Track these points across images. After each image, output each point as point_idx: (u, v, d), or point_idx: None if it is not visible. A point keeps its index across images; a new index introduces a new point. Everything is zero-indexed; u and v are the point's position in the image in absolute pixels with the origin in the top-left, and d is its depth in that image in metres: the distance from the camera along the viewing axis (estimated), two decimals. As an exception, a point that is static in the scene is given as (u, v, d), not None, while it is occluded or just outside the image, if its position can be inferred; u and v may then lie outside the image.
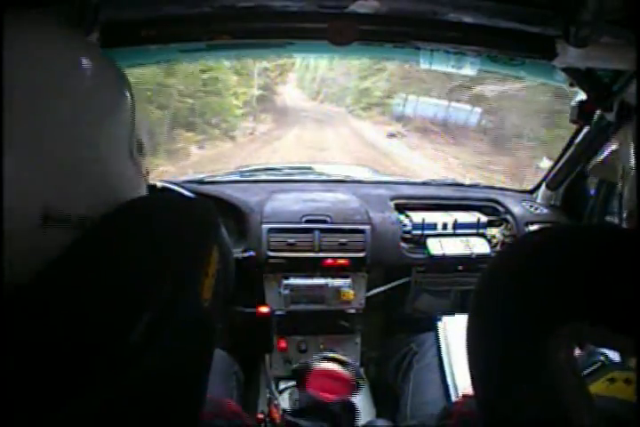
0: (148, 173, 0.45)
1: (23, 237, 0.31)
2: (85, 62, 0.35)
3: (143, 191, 0.43)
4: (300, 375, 0.76)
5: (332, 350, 0.80)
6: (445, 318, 1.29)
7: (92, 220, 0.34)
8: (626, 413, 0.33)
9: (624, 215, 0.58)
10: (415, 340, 1.31)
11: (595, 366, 0.50)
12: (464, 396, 0.50)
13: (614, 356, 0.52)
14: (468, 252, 1.33)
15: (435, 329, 1.28)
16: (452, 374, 1.12)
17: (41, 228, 0.31)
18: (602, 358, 0.51)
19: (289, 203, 1.36)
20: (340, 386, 0.73)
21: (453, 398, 1.06)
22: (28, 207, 0.31)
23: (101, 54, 0.38)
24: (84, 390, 0.27)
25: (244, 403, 1.18)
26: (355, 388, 0.76)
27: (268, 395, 1.25)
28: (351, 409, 0.70)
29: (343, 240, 1.29)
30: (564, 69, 0.93)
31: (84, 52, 0.36)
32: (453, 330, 1.24)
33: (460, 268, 1.37)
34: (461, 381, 1.08)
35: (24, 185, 0.31)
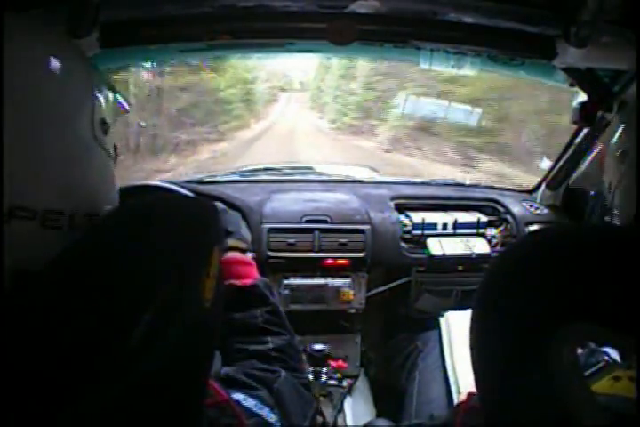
0: (116, 147, 0.49)
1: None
2: (53, 59, 0.39)
3: (110, 168, 0.47)
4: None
5: None
6: (448, 314, 1.29)
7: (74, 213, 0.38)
8: (632, 410, 0.33)
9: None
10: (419, 338, 1.31)
11: (599, 365, 0.50)
12: (469, 393, 0.50)
13: (616, 355, 0.52)
14: (468, 252, 1.33)
15: (437, 327, 1.28)
16: (455, 373, 1.11)
17: (8, 222, 0.33)
18: (605, 356, 0.51)
19: (289, 203, 1.36)
20: (249, 269, 0.72)
21: (455, 397, 1.05)
22: None
23: (72, 52, 0.44)
24: (84, 391, 0.27)
25: None
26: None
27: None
28: (269, 286, 0.70)
29: (343, 240, 1.29)
30: (564, 69, 0.93)
31: (54, 50, 0.40)
32: (456, 326, 1.24)
33: (461, 268, 1.37)
34: (464, 379, 1.08)
35: None
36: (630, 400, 0.36)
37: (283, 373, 0.57)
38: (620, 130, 0.63)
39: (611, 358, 0.50)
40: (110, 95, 0.48)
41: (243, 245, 0.77)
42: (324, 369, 1.28)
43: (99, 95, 0.45)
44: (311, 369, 1.26)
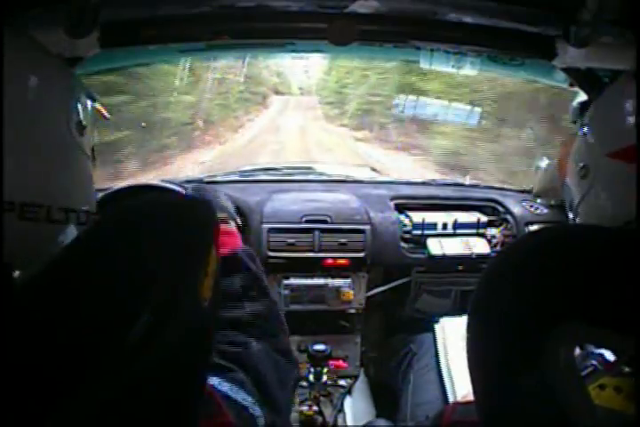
0: (93, 149, 0.53)
1: None
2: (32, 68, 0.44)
3: (87, 168, 0.50)
4: None
5: None
6: (442, 321, 1.29)
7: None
8: (613, 424, 0.32)
9: None
10: (414, 340, 1.31)
11: (586, 371, 0.49)
12: (455, 403, 0.50)
13: (610, 358, 0.51)
14: (468, 252, 1.33)
15: (433, 330, 1.28)
16: (450, 377, 1.12)
17: None
18: (594, 362, 0.50)
19: (289, 203, 1.36)
20: (229, 239, 0.68)
21: (451, 399, 1.06)
22: None
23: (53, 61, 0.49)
24: (81, 390, 0.27)
25: None
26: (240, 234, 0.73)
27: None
28: (251, 255, 0.67)
29: (343, 240, 1.29)
30: (564, 69, 0.93)
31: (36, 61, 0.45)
32: (451, 332, 1.25)
33: (460, 268, 1.37)
34: (459, 383, 1.08)
35: None
36: (616, 413, 0.35)
37: (254, 344, 0.55)
38: (579, 141, 0.62)
39: (600, 363, 0.50)
40: (88, 101, 0.53)
41: (223, 215, 0.75)
42: (325, 370, 1.28)
43: (78, 100, 0.49)
44: (312, 370, 1.26)
